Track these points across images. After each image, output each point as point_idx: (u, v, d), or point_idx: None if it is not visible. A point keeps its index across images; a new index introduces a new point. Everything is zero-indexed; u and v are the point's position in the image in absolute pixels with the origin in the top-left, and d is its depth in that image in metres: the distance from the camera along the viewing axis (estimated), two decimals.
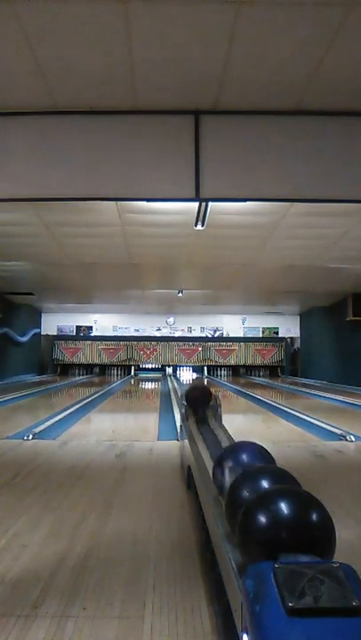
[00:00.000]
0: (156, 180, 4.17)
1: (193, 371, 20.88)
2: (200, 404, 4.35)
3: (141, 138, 4.15)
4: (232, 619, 1.43)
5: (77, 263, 10.07)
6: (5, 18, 3.06)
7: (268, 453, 2.12)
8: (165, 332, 20.76)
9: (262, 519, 1.39)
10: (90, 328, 20.74)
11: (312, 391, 12.87)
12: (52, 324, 20.30)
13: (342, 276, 11.19)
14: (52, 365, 20.36)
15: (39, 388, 13.38)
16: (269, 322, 20.48)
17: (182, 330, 20.74)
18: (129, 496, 3.61)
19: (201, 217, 6.31)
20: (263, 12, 3.04)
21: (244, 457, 2.03)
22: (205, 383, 4.80)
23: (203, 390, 4.62)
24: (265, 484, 1.68)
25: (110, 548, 2.68)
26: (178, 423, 5.92)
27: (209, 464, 2.75)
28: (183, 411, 4.49)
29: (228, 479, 1.93)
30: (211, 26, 3.14)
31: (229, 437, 3.42)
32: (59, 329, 20.57)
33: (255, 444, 2.17)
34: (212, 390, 4.63)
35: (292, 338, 20.81)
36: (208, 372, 20.78)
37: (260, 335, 20.79)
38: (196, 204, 5.86)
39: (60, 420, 7.15)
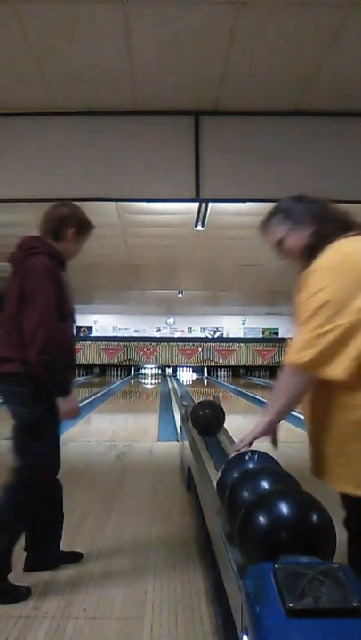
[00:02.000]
0: (156, 180, 4.16)
1: (193, 371, 20.88)
2: (210, 425, 3.58)
3: (141, 138, 4.14)
4: (232, 619, 1.43)
5: (77, 263, 10.00)
6: (6, 19, 3.06)
7: (276, 461, 2.10)
8: (165, 333, 20.76)
9: (262, 519, 1.39)
10: (90, 328, 20.74)
11: None
12: None
13: None
14: None
15: None
16: (269, 322, 20.47)
17: (182, 330, 20.74)
18: (129, 496, 3.61)
19: (201, 217, 6.31)
20: (263, 12, 3.03)
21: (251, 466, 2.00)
22: (216, 401, 4.12)
23: (213, 409, 3.74)
24: (265, 484, 1.68)
25: (110, 549, 2.68)
26: (178, 424, 5.91)
27: (209, 465, 2.75)
28: (183, 411, 4.48)
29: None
30: (211, 26, 3.13)
31: (229, 438, 3.41)
32: None
33: (264, 453, 2.13)
34: (222, 406, 3.83)
35: (292, 338, 20.78)
36: (208, 373, 20.77)
37: (260, 336, 20.78)
38: (196, 205, 5.85)
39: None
